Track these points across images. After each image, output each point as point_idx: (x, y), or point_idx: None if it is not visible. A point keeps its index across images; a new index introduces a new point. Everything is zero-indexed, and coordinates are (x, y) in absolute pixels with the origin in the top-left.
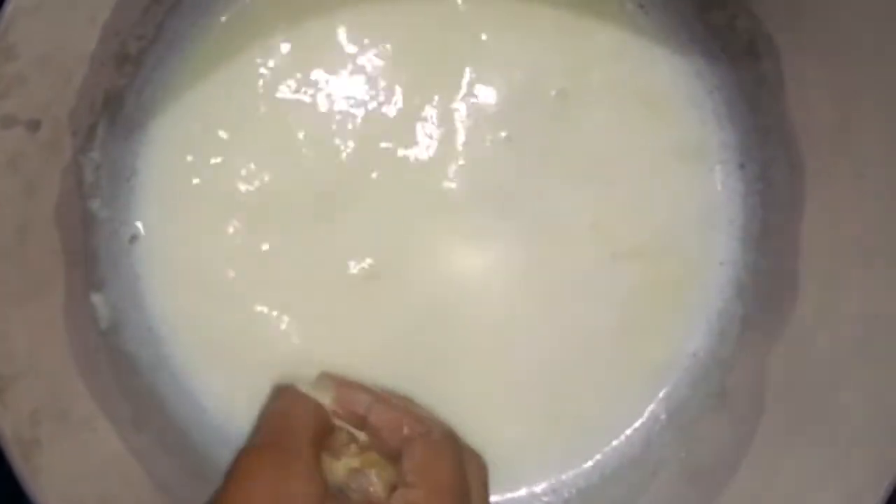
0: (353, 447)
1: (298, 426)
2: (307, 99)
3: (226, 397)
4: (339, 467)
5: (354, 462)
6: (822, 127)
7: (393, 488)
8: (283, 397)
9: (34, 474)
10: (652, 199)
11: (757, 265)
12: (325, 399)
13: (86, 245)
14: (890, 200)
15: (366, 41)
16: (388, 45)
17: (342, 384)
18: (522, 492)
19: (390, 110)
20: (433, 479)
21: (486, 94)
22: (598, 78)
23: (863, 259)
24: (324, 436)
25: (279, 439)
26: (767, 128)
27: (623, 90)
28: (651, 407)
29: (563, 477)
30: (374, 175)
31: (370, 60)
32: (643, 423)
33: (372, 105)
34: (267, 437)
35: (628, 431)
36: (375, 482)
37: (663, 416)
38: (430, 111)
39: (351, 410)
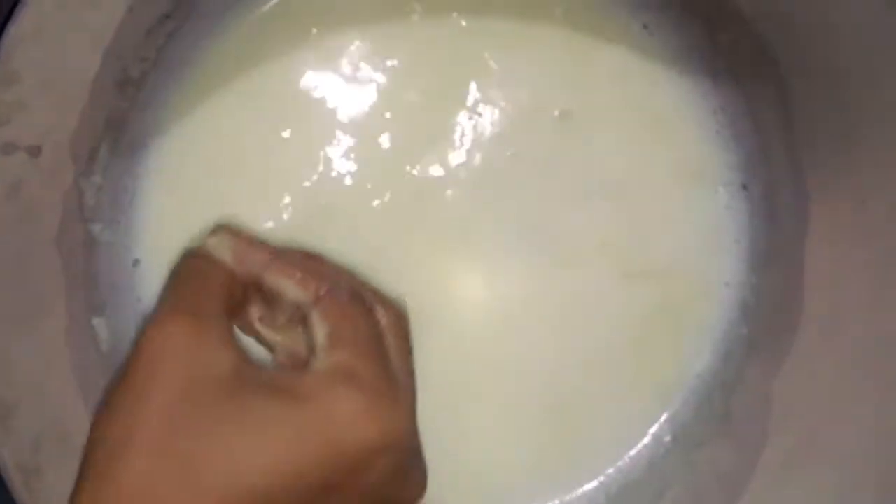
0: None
1: (209, 292)
2: (310, 120)
3: None
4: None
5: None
6: (825, 149)
7: (307, 351)
8: (191, 262)
9: (35, 501)
10: (657, 220)
11: (762, 286)
12: (225, 255)
13: (87, 269)
14: (894, 221)
15: (370, 62)
16: (393, 63)
17: (240, 240)
18: None
19: (395, 128)
20: (349, 339)
21: (491, 113)
22: (601, 98)
23: (867, 281)
24: (236, 301)
25: (189, 306)
26: (771, 149)
27: (627, 111)
28: (655, 428)
29: (567, 498)
30: (378, 193)
31: (375, 80)
32: (647, 445)
33: (377, 124)
34: (175, 305)
35: (632, 453)
36: (290, 346)
37: (668, 438)
38: (434, 129)
39: (248, 269)
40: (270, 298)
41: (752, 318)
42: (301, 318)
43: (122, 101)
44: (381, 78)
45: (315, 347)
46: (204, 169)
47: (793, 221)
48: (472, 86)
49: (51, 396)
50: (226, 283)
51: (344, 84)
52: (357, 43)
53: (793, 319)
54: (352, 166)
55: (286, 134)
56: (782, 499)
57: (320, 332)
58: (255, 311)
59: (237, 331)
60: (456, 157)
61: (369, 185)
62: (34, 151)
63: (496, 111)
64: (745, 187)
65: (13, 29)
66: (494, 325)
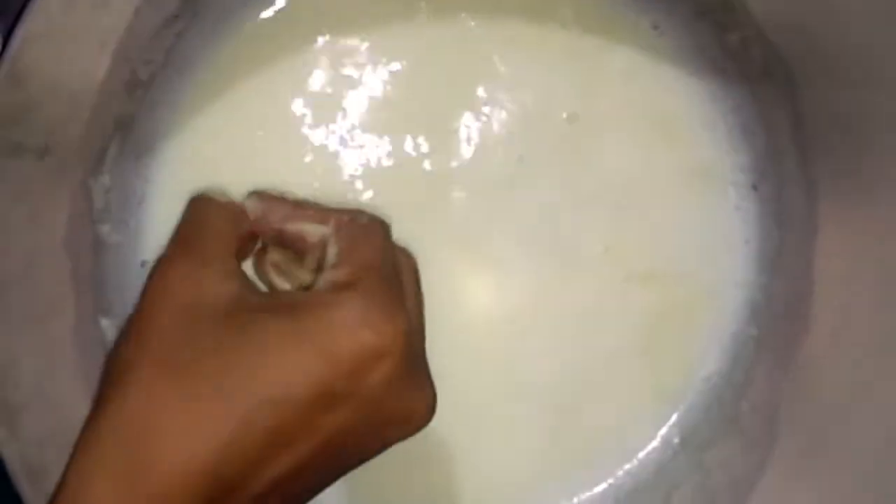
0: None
1: (211, 232)
2: (317, 121)
3: None
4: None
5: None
6: (835, 149)
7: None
8: (194, 206)
9: (42, 501)
10: (666, 222)
11: (771, 287)
12: (222, 198)
13: (95, 270)
14: None
15: (378, 62)
16: (401, 64)
17: (264, 195)
18: None
19: (402, 130)
20: (358, 257)
21: (498, 115)
22: (610, 100)
23: (877, 281)
24: (243, 243)
25: (190, 247)
26: (781, 150)
27: (635, 112)
28: (664, 430)
29: (576, 501)
30: (384, 194)
31: (382, 81)
32: (656, 447)
33: (383, 125)
34: (177, 247)
35: (641, 455)
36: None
37: (676, 440)
38: (441, 130)
39: (271, 222)
40: (295, 249)
41: (761, 318)
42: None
43: (130, 103)
44: (388, 79)
45: (326, 267)
46: (212, 170)
47: (803, 222)
48: (480, 87)
49: (58, 397)
50: (235, 227)
51: (351, 85)
52: (365, 44)
53: (802, 320)
54: (358, 168)
55: (294, 135)
56: (791, 500)
57: (332, 251)
58: (271, 258)
59: None
60: (462, 160)
61: (375, 187)
62: (42, 152)
63: (503, 113)
64: (755, 188)
65: (22, 30)
66: (502, 328)
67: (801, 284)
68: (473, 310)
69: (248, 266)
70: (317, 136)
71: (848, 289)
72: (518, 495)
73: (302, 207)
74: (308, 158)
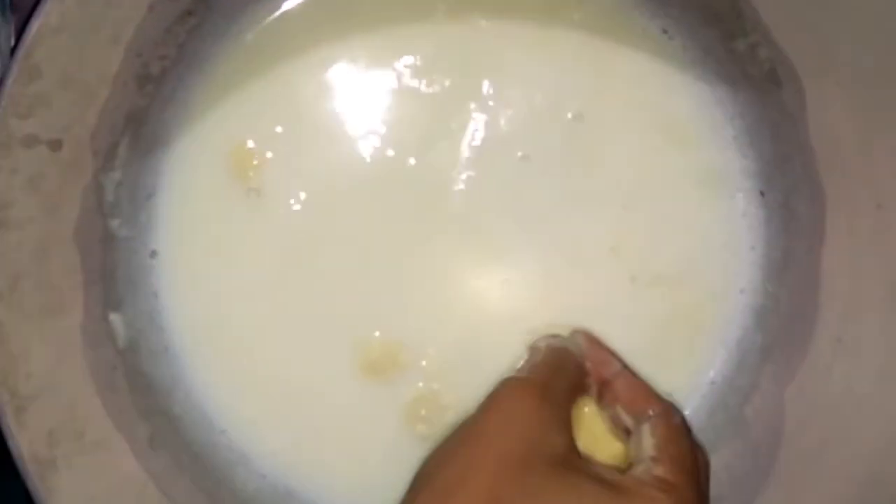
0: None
1: (563, 377)
2: (329, 117)
3: (242, 418)
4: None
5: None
6: (842, 156)
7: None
8: (553, 350)
9: (50, 494)
10: (671, 225)
11: (777, 293)
12: (580, 353)
13: (105, 264)
14: None
15: (391, 58)
16: (413, 60)
17: (592, 342)
18: None
19: (410, 124)
20: (676, 457)
21: (505, 113)
22: (616, 102)
23: (883, 288)
24: (579, 394)
25: (547, 381)
26: (788, 156)
27: (642, 115)
28: None
29: None
30: (389, 186)
31: (394, 76)
32: None
33: (394, 119)
34: (535, 375)
35: None
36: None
37: None
38: (448, 126)
39: (599, 371)
40: (606, 401)
41: (766, 324)
42: (622, 426)
43: (142, 98)
44: (400, 74)
45: (641, 455)
46: (223, 166)
47: (809, 228)
48: (488, 85)
49: (67, 391)
50: (578, 379)
51: (363, 80)
52: (378, 40)
53: (808, 326)
54: (367, 161)
55: (304, 130)
56: None
57: (648, 443)
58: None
59: None
60: (467, 154)
61: (380, 179)
62: (55, 145)
63: (510, 111)
64: (762, 194)
65: (36, 24)
66: (504, 329)
67: (807, 291)
68: (477, 307)
69: None
70: (327, 130)
71: (854, 296)
72: None
73: (628, 372)
74: (318, 153)
